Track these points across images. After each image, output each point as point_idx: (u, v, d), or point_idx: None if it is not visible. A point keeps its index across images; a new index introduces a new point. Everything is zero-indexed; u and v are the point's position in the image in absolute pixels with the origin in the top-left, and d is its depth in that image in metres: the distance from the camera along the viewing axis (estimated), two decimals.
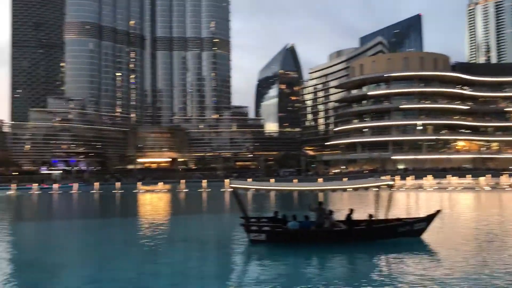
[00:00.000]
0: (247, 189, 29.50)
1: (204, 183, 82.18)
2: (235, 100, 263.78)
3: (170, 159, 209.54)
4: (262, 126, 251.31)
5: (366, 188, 25.58)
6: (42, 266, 18.53)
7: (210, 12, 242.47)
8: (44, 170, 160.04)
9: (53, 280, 16.45)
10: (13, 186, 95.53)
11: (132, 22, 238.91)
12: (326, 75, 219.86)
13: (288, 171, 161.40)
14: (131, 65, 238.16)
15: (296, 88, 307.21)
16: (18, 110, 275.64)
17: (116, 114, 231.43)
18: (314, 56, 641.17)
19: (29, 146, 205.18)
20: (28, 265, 18.87)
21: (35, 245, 25.14)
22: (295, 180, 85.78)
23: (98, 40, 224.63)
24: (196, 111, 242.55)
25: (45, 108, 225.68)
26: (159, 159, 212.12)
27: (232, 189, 24.40)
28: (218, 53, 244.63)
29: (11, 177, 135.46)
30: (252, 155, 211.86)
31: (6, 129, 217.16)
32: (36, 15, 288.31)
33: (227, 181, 66.84)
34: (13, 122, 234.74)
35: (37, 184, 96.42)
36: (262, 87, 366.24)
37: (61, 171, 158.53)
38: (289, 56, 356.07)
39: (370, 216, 23.77)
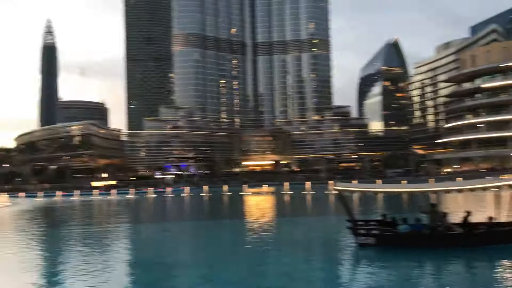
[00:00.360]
0: (353, 191, 28.84)
1: (308, 185, 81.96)
2: (337, 100, 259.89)
3: (273, 162, 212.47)
4: (366, 126, 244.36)
5: (485, 189, 23.63)
6: (160, 266, 19.72)
7: (309, 13, 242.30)
8: (158, 175, 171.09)
9: (171, 280, 17.43)
10: (132, 190, 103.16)
11: (233, 30, 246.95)
12: (433, 69, 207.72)
13: (396, 171, 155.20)
14: (234, 72, 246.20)
15: (401, 85, 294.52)
16: (134, 119, 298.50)
17: (221, 119, 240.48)
18: (419, 50, 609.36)
19: (144, 153, 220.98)
20: (147, 264, 20.19)
21: (153, 245, 26.85)
22: (404, 181, 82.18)
23: (203, 50, 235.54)
24: (297, 113, 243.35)
25: (157, 117, 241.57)
26: (263, 162, 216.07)
27: (337, 191, 24.00)
28: (318, 54, 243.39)
29: (129, 182, 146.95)
30: (356, 156, 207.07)
31: (123, 138, 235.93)
32: (146, 30, 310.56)
33: (331, 183, 65.97)
34: (129, 131, 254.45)
35: (152, 188, 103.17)
36: (365, 85, 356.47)
37: (173, 176, 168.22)
38: (393, 51, 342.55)
39: (490, 218, 21.93)
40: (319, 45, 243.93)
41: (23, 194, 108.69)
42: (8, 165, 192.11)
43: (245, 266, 19.38)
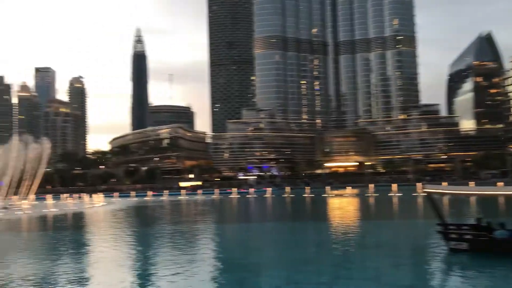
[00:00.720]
0: (443, 194, 27.35)
1: (394, 187, 79.16)
2: (424, 98, 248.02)
3: (357, 163, 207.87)
4: (456, 124, 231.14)
5: None
6: (245, 265, 20.01)
7: (393, 10, 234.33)
8: (241, 176, 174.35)
9: (256, 280, 17.61)
10: (216, 190, 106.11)
11: (314, 30, 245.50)
12: None
13: (491, 173, 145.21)
14: (315, 72, 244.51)
15: (495, 80, 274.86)
16: (217, 122, 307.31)
17: (303, 120, 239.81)
18: None
19: (227, 154, 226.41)
20: (233, 264, 20.58)
21: (237, 245, 27.35)
22: (500, 183, 76.52)
23: (284, 52, 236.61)
24: (382, 112, 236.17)
25: (239, 119, 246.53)
26: (346, 163, 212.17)
27: (426, 194, 22.90)
28: (403, 51, 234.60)
29: (214, 182, 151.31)
30: (446, 157, 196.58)
31: (208, 140, 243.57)
32: (229, 35, 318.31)
33: (419, 185, 63.15)
34: (213, 133, 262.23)
35: (235, 189, 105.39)
36: (454, 81, 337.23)
37: (256, 177, 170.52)
38: (485, 45, 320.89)
39: None
40: (404, 42, 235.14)
41: (117, 194, 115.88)
42: (103, 166, 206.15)
43: (330, 269, 19.08)
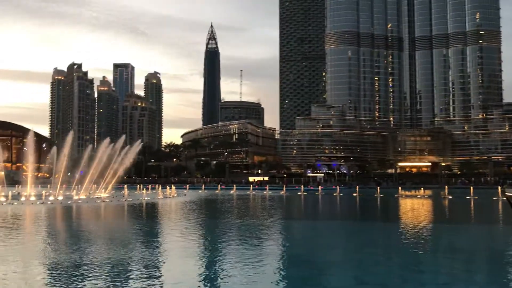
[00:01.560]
0: None
1: (471, 189, 75.04)
2: (507, 97, 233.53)
3: (431, 164, 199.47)
4: None
5: None
6: (311, 263, 19.84)
7: (475, 3, 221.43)
8: (309, 173, 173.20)
9: (322, 277, 17.39)
10: (284, 187, 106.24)
11: (389, 25, 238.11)
12: None
13: None
14: (389, 68, 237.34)
15: None
16: (286, 118, 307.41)
17: (375, 118, 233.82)
18: None
19: (295, 151, 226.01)
20: (299, 261, 20.47)
21: (304, 242, 27.19)
22: None
23: (356, 47, 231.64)
24: (460, 111, 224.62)
25: (309, 116, 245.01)
26: (419, 163, 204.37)
27: (506, 198, 21.45)
28: (485, 46, 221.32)
29: (281, 178, 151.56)
30: None
31: (277, 136, 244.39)
32: (300, 31, 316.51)
33: (499, 188, 59.40)
34: (282, 130, 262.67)
35: (303, 186, 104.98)
36: None
37: (324, 174, 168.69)
38: None
39: None
40: (486, 37, 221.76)
41: (187, 186, 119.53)
42: (176, 159, 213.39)
43: (400, 271, 18.43)
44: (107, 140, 77.98)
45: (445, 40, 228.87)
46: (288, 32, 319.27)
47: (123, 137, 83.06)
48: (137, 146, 79.96)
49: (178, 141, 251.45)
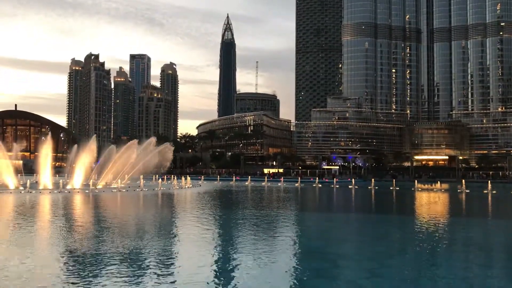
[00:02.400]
0: None
1: (489, 183, 73.96)
2: None
3: (448, 157, 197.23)
4: None
5: None
6: (324, 255, 19.71)
7: None
8: (324, 165, 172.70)
9: (337, 270, 17.27)
10: (298, 179, 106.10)
11: (407, 17, 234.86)
12: None
13: None
14: (407, 60, 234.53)
15: None
16: (302, 110, 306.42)
17: (392, 111, 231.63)
18: None
19: (311, 143, 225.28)
20: (313, 252, 20.37)
21: (318, 234, 27.06)
22: None
23: (373, 39, 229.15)
24: (479, 104, 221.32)
25: (324, 108, 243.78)
26: (436, 156, 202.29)
27: None
28: (505, 38, 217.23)
29: (296, 170, 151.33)
30: None
31: (292, 128, 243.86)
32: (316, 22, 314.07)
33: None
34: (297, 122, 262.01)
35: (318, 178, 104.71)
36: None
37: (339, 167, 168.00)
38: None
39: None
40: (507, 29, 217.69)
41: (202, 177, 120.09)
42: (191, 150, 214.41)
43: (415, 265, 18.20)
44: (135, 141, 79.86)
45: (464, 32, 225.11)
46: (304, 23, 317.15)
47: (153, 139, 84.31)
48: (150, 143, 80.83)
49: (194, 132, 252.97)
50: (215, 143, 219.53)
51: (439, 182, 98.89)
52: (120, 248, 19.33)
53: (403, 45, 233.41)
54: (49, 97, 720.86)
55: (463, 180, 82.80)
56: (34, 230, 25.83)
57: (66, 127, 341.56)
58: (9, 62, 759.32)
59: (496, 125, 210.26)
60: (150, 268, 16.22)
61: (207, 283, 14.60)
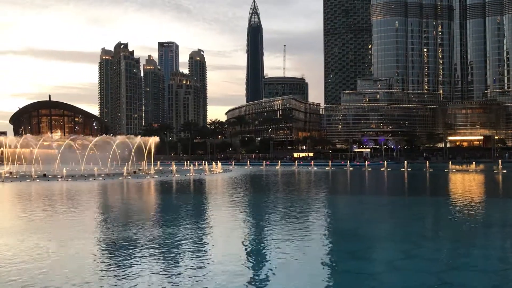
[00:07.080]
0: None
1: None
2: None
3: (483, 137, 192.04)
4: None
5: None
6: (358, 237, 19.64)
7: None
8: (355, 148, 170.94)
9: (369, 251, 17.19)
10: (329, 162, 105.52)
11: None
12: None
13: None
14: (438, 39, 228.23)
15: None
16: (331, 93, 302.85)
17: (424, 91, 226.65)
18: None
19: (341, 126, 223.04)
20: (345, 235, 20.31)
21: (350, 217, 26.94)
22: None
23: (404, 18, 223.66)
24: None
25: (354, 90, 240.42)
26: (471, 137, 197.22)
27: None
28: None
29: (327, 154, 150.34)
30: None
31: (321, 111, 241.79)
32: (345, 2, 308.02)
33: None
34: (326, 105, 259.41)
35: (349, 161, 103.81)
36: None
37: (371, 149, 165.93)
38: None
39: None
40: None
41: (233, 162, 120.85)
42: (221, 136, 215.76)
43: (450, 245, 17.93)
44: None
45: (499, 7, 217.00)
46: (332, 3, 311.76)
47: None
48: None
49: (223, 118, 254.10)
50: (244, 129, 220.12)
51: (474, 163, 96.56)
52: (155, 234, 19.81)
53: (434, 23, 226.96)
54: (82, 86, 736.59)
55: (500, 161, 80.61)
56: (65, 217, 26.66)
57: (99, 116, 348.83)
58: (41, 53, 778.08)
59: None
60: (191, 252, 16.58)
61: (242, 263, 14.80)
